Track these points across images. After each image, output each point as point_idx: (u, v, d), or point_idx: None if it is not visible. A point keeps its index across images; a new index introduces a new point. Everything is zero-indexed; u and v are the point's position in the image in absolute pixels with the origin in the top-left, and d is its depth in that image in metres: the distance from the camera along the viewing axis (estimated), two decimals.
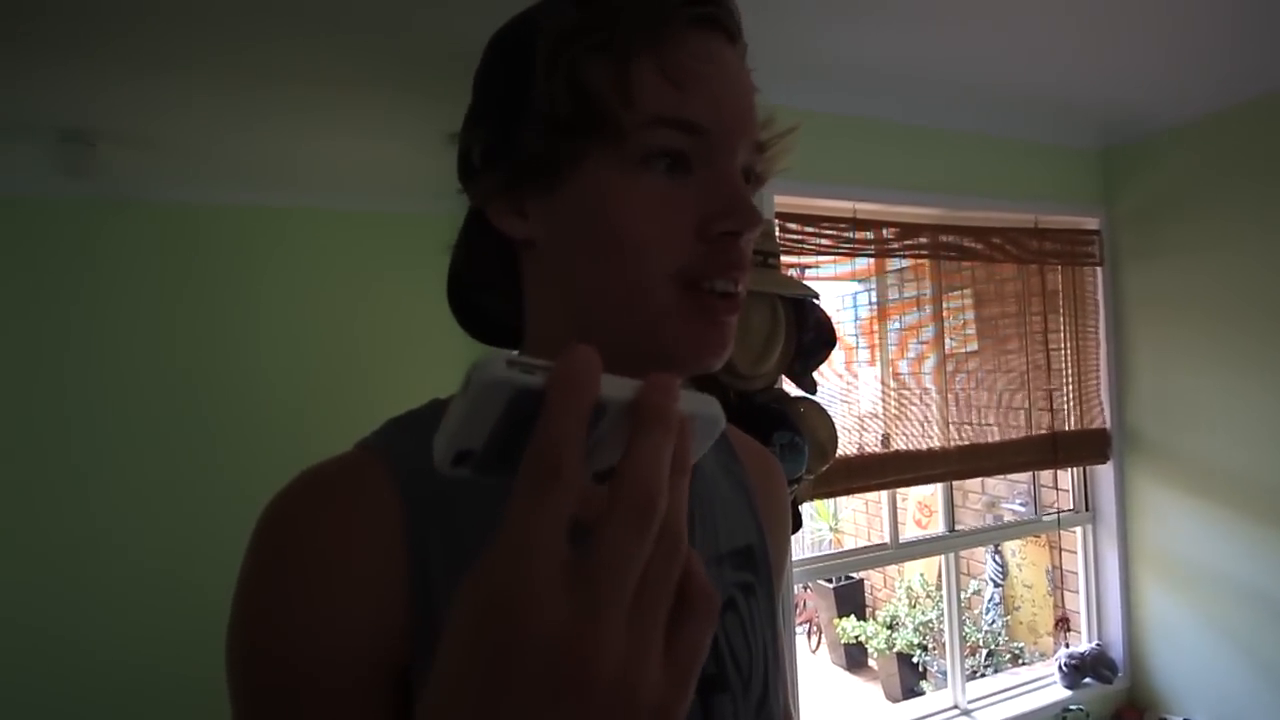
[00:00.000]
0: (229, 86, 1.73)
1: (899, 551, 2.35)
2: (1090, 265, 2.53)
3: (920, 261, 2.26)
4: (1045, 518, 2.62)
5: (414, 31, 1.51)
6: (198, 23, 1.43)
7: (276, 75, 1.68)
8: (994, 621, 3.67)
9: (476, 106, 0.44)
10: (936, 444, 2.23)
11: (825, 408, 1.77)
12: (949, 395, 2.28)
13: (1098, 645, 2.54)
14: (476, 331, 0.51)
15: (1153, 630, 2.45)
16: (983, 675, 3.19)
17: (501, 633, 0.20)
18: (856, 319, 2.19)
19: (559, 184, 0.39)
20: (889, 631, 3.84)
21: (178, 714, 2.34)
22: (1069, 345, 2.50)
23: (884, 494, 2.33)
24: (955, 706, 2.40)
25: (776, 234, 1.86)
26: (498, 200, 0.42)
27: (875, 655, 3.87)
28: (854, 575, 4.27)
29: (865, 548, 2.54)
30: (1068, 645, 2.57)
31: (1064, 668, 2.46)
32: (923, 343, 2.27)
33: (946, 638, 2.48)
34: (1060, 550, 2.78)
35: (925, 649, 3.74)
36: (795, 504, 1.72)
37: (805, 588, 4.27)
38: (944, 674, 2.77)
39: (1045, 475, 2.69)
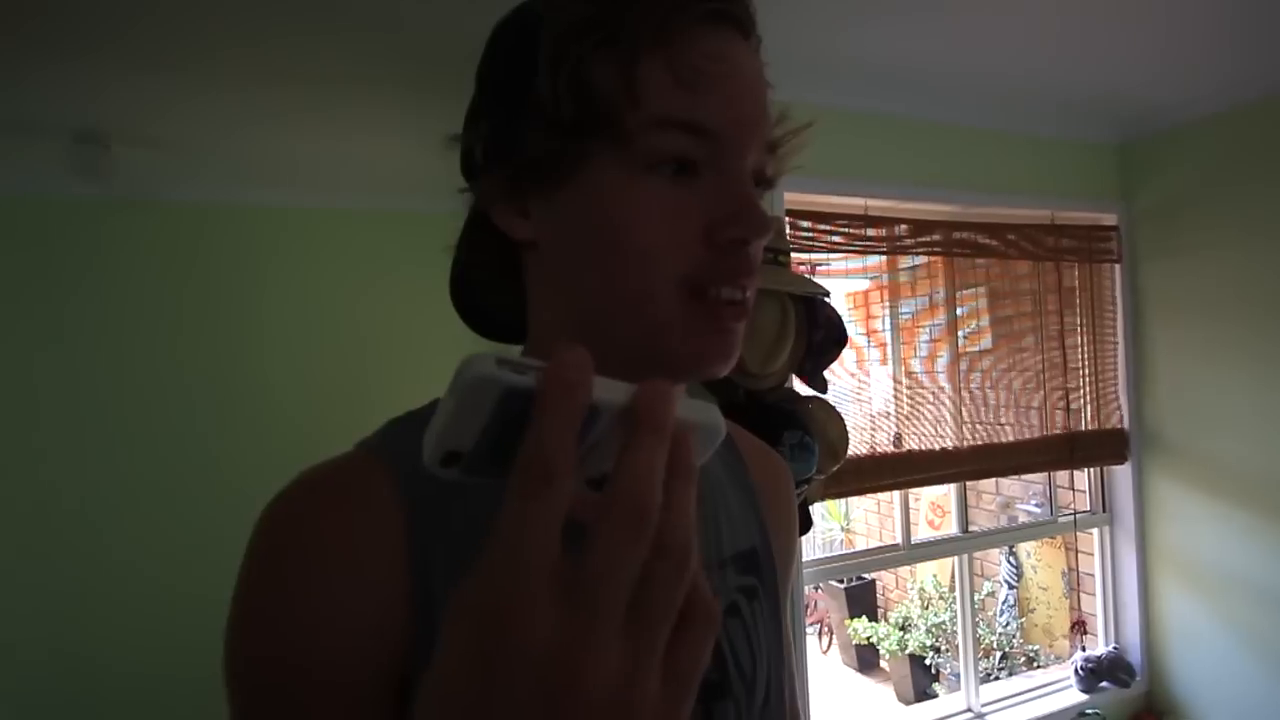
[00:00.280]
0: (233, 85, 1.74)
1: (911, 552, 2.33)
2: (1108, 262, 2.49)
3: (934, 259, 2.24)
4: (1061, 519, 2.58)
5: (417, 28, 1.51)
6: (201, 21, 1.44)
7: (280, 74, 1.69)
8: (1008, 624, 3.63)
9: (479, 101, 0.43)
10: (950, 444, 2.21)
11: (836, 407, 1.75)
12: (963, 394, 2.25)
13: (1115, 648, 2.50)
14: (482, 330, 0.50)
15: (1171, 633, 2.41)
16: (997, 678, 3.16)
17: (492, 646, 0.20)
18: (869, 318, 2.17)
19: (562, 185, 0.38)
20: (901, 633, 3.81)
21: (180, 717, 2.35)
22: (1086, 343, 2.46)
23: (896, 494, 2.31)
24: (968, 709, 2.37)
25: (787, 231, 1.85)
26: (501, 200, 0.41)
27: (887, 657, 3.84)
28: (866, 576, 4.24)
29: (877, 548, 2.52)
30: (1084, 648, 2.54)
31: (1080, 671, 2.42)
32: (935, 341, 2.25)
33: (960, 640, 2.45)
34: (1077, 552, 2.75)
35: (938, 651, 3.70)
36: (806, 504, 1.70)
37: (816, 588, 4.25)
38: (957, 676, 2.75)
39: (1061, 476, 2.65)
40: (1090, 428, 2.44)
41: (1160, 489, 2.44)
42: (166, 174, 2.38)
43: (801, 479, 1.56)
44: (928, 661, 3.70)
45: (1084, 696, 2.40)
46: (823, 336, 1.69)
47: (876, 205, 2.07)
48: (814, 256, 2.04)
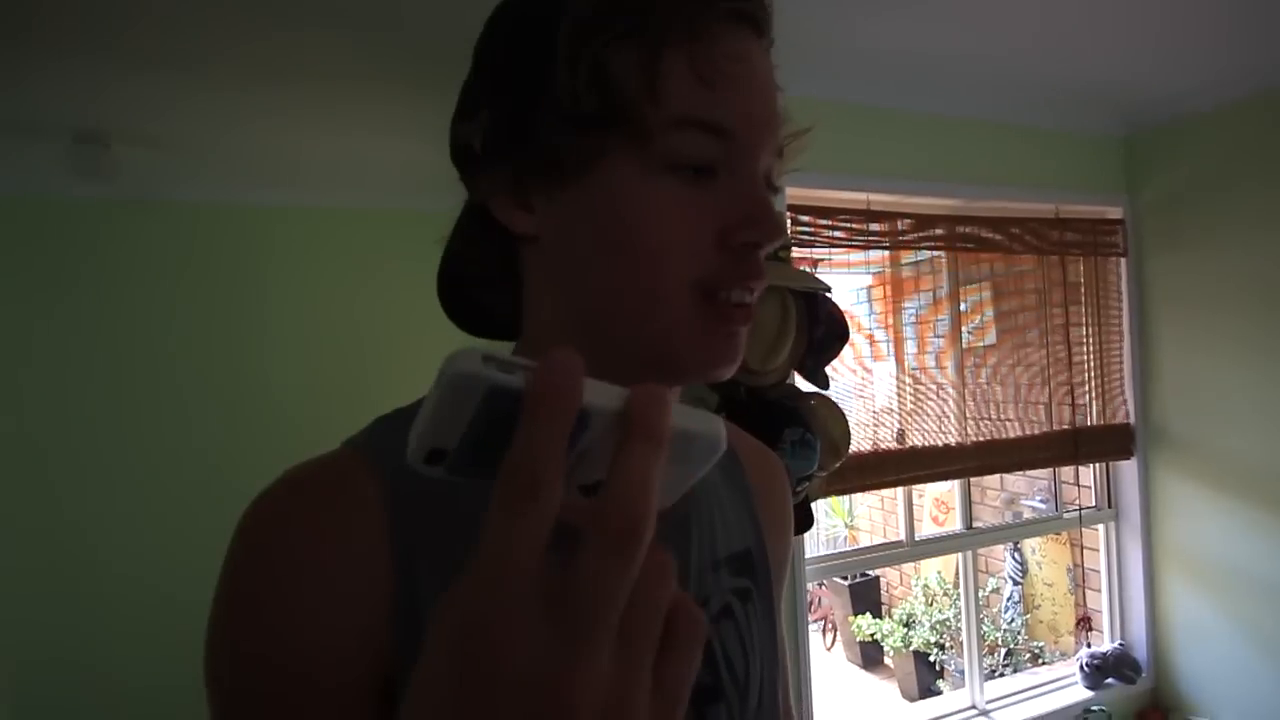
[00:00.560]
0: (233, 84, 1.74)
1: (915, 549, 2.31)
2: (1113, 256, 2.47)
3: (937, 254, 2.22)
4: (1066, 515, 2.57)
5: (417, 25, 1.50)
6: (201, 21, 1.43)
7: (280, 72, 1.68)
8: (1013, 620, 3.62)
9: (479, 85, 0.40)
10: (954, 440, 2.19)
11: (838, 403, 1.74)
12: (966, 390, 2.24)
13: (1120, 645, 2.48)
14: (471, 327, 0.49)
15: (1177, 630, 2.40)
16: (1001, 675, 3.15)
17: (475, 665, 0.19)
18: (871, 313, 2.16)
19: (572, 179, 0.37)
20: (905, 629, 3.80)
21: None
22: (1091, 338, 2.44)
23: (900, 490, 2.29)
24: (973, 706, 2.36)
25: (788, 226, 1.83)
26: (501, 192, 0.39)
27: (891, 653, 3.84)
28: (870, 572, 4.23)
29: (881, 545, 2.51)
30: (1089, 645, 2.52)
31: (1085, 667, 2.41)
32: (939, 336, 2.23)
33: (964, 636, 2.44)
34: (1082, 548, 2.73)
35: (942, 647, 3.70)
36: (808, 501, 1.69)
37: (820, 584, 4.24)
38: (961, 673, 2.74)
39: (1066, 471, 2.63)
40: (1095, 423, 2.43)
41: (1166, 484, 2.42)
42: (167, 174, 2.38)
43: (803, 476, 1.55)
44: (932, 658, 3.69)
45: (1089, 693, 2.38)
46: (824, 332, 1.67)
47: (879, 200, 2.05)
48: (815, 252, 2.02)
